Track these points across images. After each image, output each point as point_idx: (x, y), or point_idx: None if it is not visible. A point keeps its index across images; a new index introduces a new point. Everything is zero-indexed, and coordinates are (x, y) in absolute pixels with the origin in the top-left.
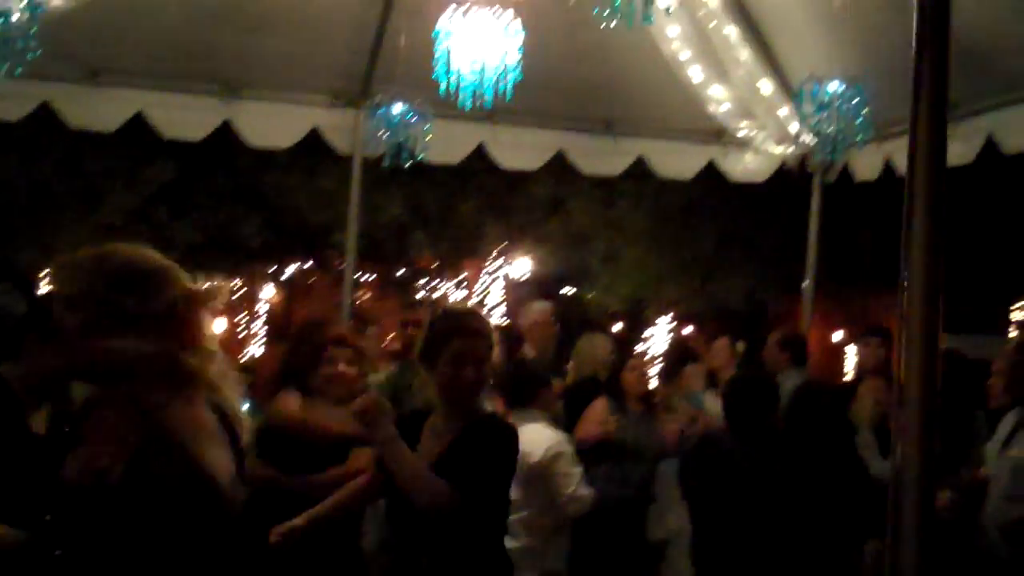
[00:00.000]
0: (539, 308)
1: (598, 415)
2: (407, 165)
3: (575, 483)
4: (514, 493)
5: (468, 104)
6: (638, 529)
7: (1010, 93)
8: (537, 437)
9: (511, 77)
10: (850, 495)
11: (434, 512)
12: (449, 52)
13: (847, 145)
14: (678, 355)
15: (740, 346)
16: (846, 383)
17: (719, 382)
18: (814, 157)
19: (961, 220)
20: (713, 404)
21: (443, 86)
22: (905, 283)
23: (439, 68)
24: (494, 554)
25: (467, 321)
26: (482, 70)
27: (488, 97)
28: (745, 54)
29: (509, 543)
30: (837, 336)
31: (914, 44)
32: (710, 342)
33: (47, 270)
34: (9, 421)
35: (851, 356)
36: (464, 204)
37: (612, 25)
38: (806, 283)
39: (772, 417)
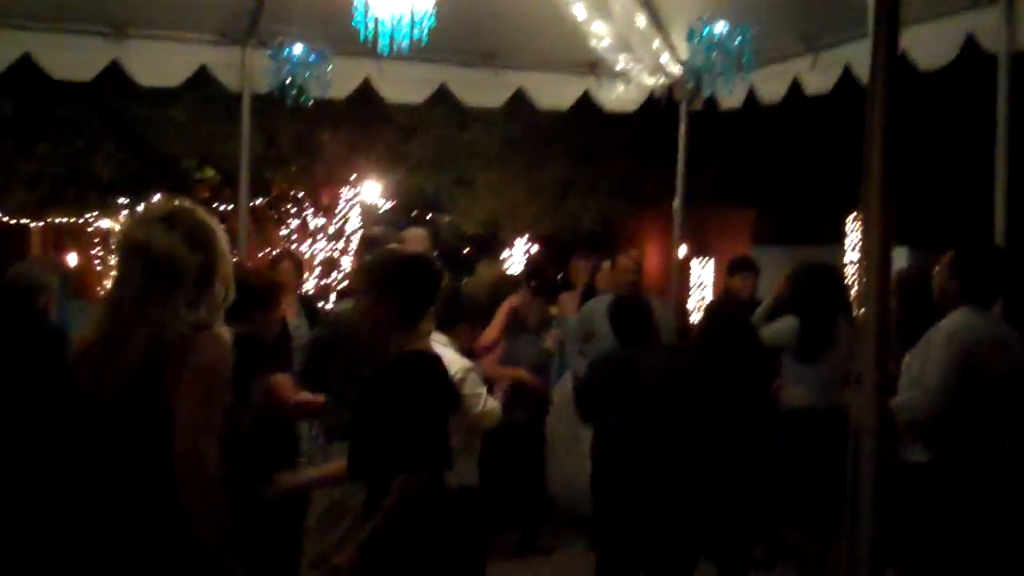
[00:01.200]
0: (415, 234)
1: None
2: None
3: (482, 401)
4: None
5: (387, 50)
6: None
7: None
8: (448, 360)
9: (427, 24)
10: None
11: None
12: (366, 2)
13: (730, 81)
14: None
15: (607, 264)
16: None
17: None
18: (683, 87)
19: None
20: None
21: (362, 32)
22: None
23: (358, 15)
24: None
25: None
26: (400, 18)
27: (405, 43)
28: None
29: None
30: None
31: None
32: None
33: None
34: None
35: (698, 270)
36: (320, 133)
37: None
38: (676, 203)
39: (652, 329)
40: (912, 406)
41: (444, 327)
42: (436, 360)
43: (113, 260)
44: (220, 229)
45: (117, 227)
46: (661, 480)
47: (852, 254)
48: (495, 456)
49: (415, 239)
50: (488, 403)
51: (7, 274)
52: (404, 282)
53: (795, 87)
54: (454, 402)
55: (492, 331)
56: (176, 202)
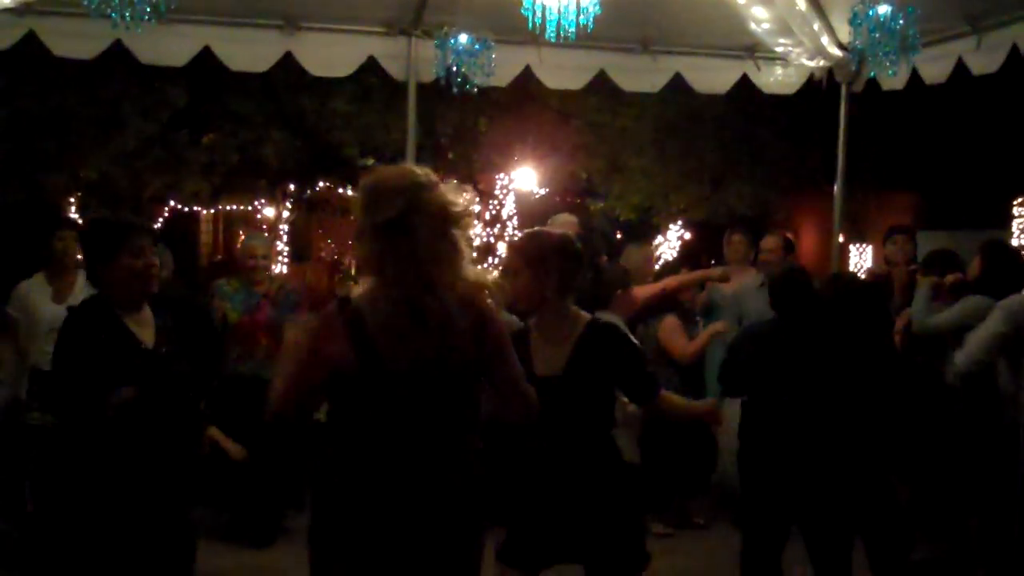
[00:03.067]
0: (565, 220)
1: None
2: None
3: None
4: None
5: (553, 37)
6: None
7: None
8: None
9: (593, 10)
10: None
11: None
12: None
13: (895, 62)
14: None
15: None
16: (879, 276)
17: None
18: (844, 69)
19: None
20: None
21: (529, 21)
22: None
23: (526, 2)
24: None
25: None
26: (567, 5)
27: (572, 30)
28: None
29: None
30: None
31: None
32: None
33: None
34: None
35: (856, 256)
36: (479, 121)
37: None
38: (836, 187)
39: (813, 307)
40: None
41: (599, 304)
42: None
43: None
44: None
45: (285, 213)
46: (808, 456)
47: (1019, 238)
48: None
49: (565, 225)
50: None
51: None
52: (560, 259)
53: (960, 67)
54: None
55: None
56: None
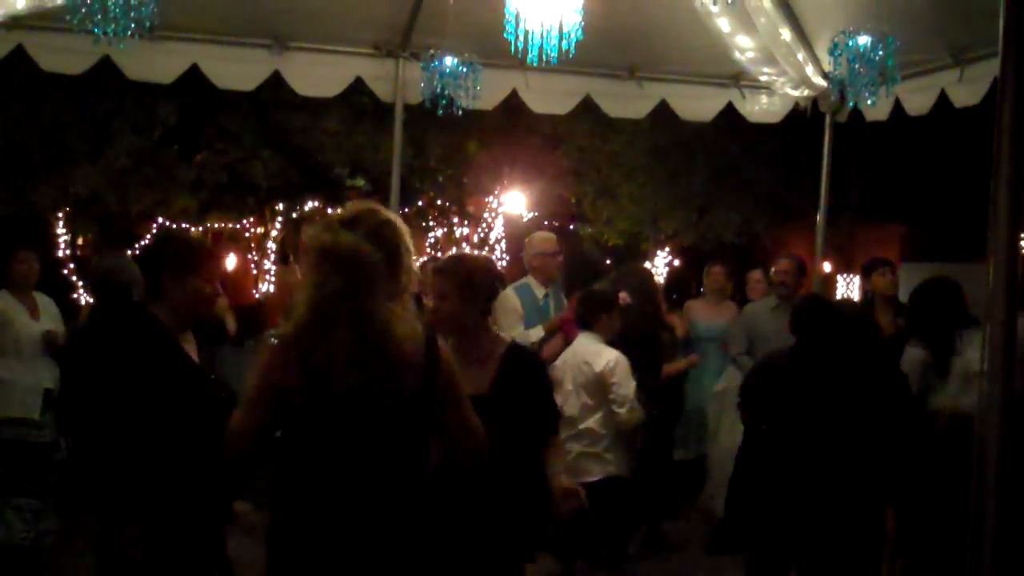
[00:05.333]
0: (542, 238)
1: None
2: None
3: (629, 393)
4: (578, 402)
5: (535, 61)
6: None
7: None
8: (597, 351)
9: (574, 36)
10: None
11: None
12: (518, 13)
13: (875, 93)
14: (679, 286)
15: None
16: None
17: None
18: (828, 99)
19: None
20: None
21: (512, 45)
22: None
23: (509, 27)
24: None
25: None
26: (549, 30)
27: (554, 55)
28: (767, 4)
29: (575, 446)
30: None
31: None
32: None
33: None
34: (169, 350)
35: (843, 285)
36: (468, 143)
37: None
38: (819, 216)
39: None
40: None
41: (587, 325)
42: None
43: (269, 264)
44: (404, 226)
45: (274, 232)
46: (826, 482)
47: None
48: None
49: (544, 242)
50: (634, 404)
51: (97, 269)
52: (484, 282)
53: (943, 99)
54: None
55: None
56: (360, 206)
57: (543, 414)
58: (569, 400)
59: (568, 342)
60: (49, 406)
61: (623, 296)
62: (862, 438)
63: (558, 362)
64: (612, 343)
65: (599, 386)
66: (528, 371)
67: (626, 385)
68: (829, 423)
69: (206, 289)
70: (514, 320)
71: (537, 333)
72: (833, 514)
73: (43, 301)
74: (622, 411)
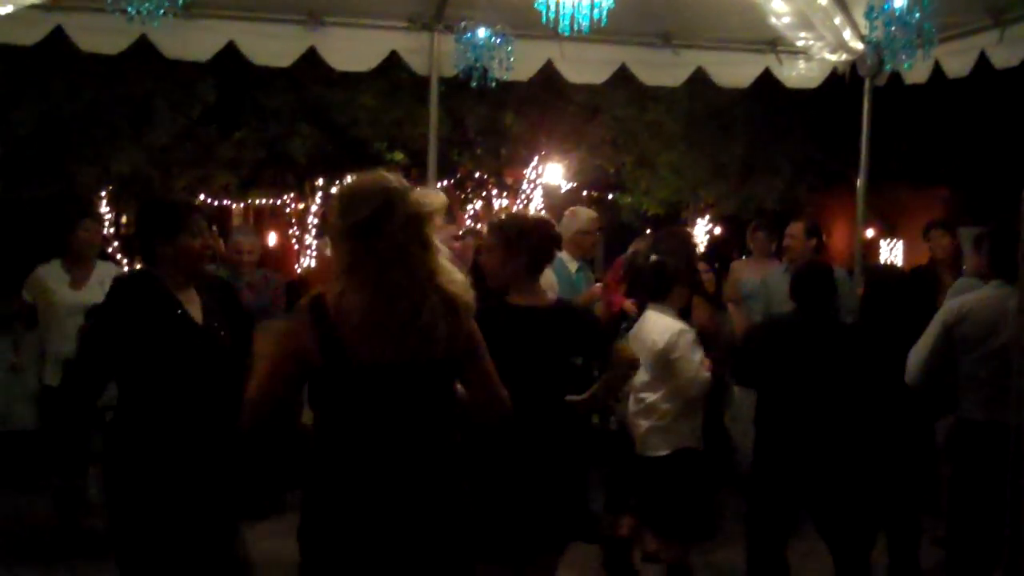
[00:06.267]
0: (587, 216)
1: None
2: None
3: (693, 367)
4: (646, 376)
5: (567, 30)
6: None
7: None
8: (664, 326)
9: (605, 5)
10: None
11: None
12: None
13: (912, 56)
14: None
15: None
16: (924, 270)
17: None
18: (866, 63)
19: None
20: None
21: (543, 15)
22: None
23: None
24: None
25: None
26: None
27: (586, 24)
28: None
29: (644, 422)
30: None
31: None
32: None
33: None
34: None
35: (886, 251)
36: (505, 115)
37: None
38: (859, 182)
39: (834, 302)
40: None
41: (657, 297)
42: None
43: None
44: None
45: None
46: (823, 451)
47: None
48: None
49: (583, 221)
50: (700, 371)
51: None
52: (532, 241)
53: (983, 61)
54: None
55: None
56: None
57: (598, 355)
58: (638, 375)
59: (611, 311)
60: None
61: (654, 259)
62: (866, 406)
63: (629, 335)
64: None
65: (665, 360)
66: (574, 323)
67: (689, 357)
68: (828, 391)
69: (195, 244)
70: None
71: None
72: (840, 482)
73: (101, 271)
74: (689, 386)
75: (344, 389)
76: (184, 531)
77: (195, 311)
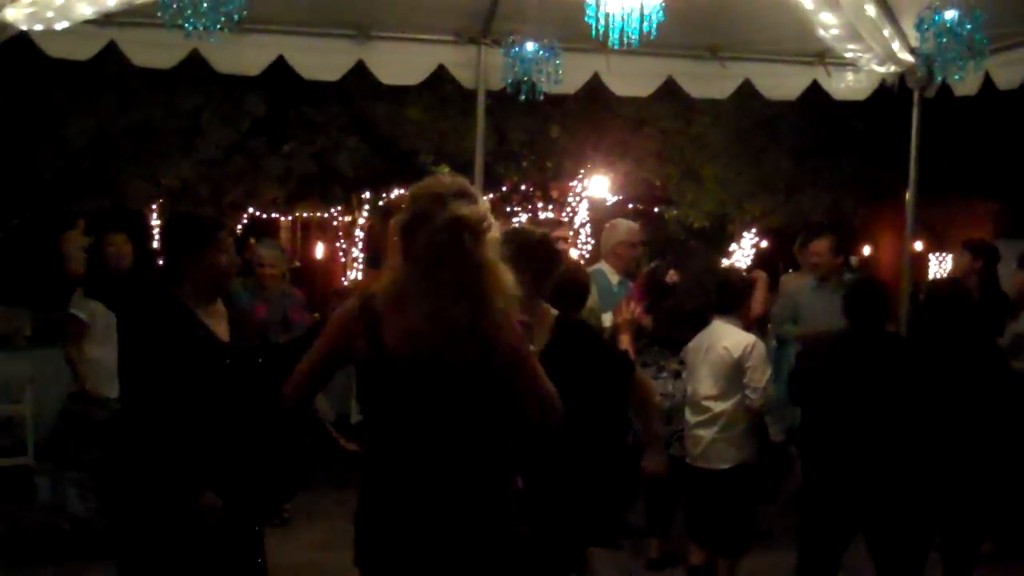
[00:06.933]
0: (628, 228)
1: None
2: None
3: (764, 379)
4: (715, 387)
5: (616, 44)
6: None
7: None
8: (738, 338)
9: (655, 18)
10: (988, 394)
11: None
12: None
13: (963, 67)
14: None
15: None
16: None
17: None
18: (915, 74)
19: None
20: None
21: (593, 28)
22: None
23: (589, 10)
24: None
25: None
26: (630, 12)
27: (635, 37)
28: None
29: (708, 432)
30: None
31: None
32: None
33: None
34: (191, 328)
35: (935, 265)
36: (551, 128)
37: None
38: (908, 194)
39: (886, 320)
40: None
41: (727, 310)
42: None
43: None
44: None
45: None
46: (880, 467)
47: None
48: None
49: (630, 231)
50: (770, 384)
51: None
52: (535, 258)
53: None
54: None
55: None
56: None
57: (608, 370)
58: (702, 384)
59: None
60: None
61: (671, 275)
62: (924, 423)
63: (690, 345)
64: (668, 322)
65: (737, 371)
66: (579, 341)
67: (762, 370)
68: (887, 407)
69: (221, 260)
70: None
71: (608, 318)
72: (896, 499)
73: None
74: (755, 396)
75: (384, 382)
76: (204, 543)
77: (220, 328)
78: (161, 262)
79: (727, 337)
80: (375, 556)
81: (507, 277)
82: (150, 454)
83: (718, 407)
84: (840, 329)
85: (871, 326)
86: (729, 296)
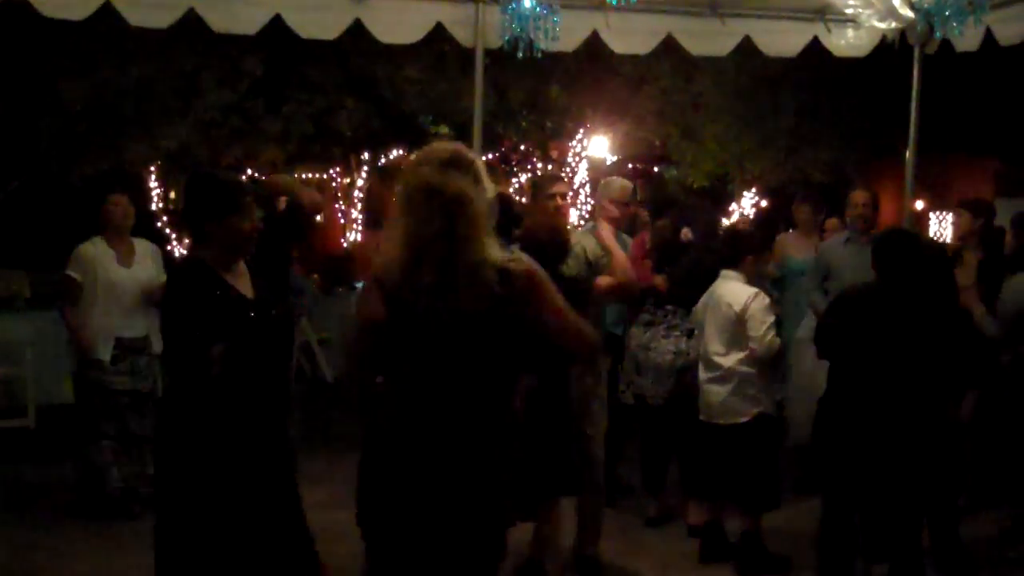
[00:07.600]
0: (620, 185)
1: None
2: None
3: (763, 328)
4: (722, 342)
5: (615, 0)
6: None
7: None
8: (739, 291)
9: None
10: (955, 346)
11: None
12: None
13: (963, 22)
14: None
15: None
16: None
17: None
18: (915, 30)
19: None
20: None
21: None
22: None
23: None
24: None
25: None
26: None
27: None
28: None
29: (721, 388)
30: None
31: None
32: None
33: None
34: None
35: (936, 224)
36: (550, 88)
37: None
38: (908, 153)
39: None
40: None
41: (732, 264)
42: None
43: (356, 213)
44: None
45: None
46: (903, 423)
47: None
48: None
49: (622, 189)
50: (770, 334)
51: None
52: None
53: None
54: None
55: None
56: (451, 146)
57: None
58: (712, 342)
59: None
60: (130, 353)
61: (685, 232)
62: (936, 373)
63: (698, 305)
64: (682, 281)
65: (740, 325)
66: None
67: (760, 319)
68: (909, 361)
69: (245, 226)
70: (581, 264)
71: (605, 279)
72: (904, 455)
73: (142, 247)
74: (758, 347)
75: (396, 341)
76: (247, 508)
77: (245, 286)
78: (182, 223)
79: (730, 292)
80: (376, 515)
81: (490, 240)
82: (205, 423)
83: (727, 362)
84: (869, 282)
85: (900, 279)
86: (735, 251)
